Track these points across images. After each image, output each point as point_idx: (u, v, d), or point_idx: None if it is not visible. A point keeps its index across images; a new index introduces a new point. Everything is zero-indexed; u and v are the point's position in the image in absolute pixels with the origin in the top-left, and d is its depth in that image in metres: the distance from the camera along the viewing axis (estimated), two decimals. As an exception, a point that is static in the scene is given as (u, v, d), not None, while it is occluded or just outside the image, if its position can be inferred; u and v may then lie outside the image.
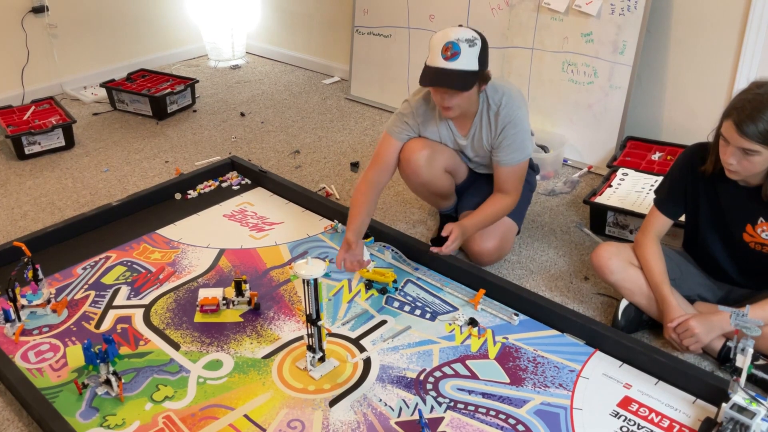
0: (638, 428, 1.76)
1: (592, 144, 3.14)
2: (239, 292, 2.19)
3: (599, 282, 2.36)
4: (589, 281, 2.39)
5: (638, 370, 1.94)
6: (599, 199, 2.63)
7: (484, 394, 1.87)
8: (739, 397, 1.65)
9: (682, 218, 2.12)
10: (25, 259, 2.15)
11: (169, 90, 3.77)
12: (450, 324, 2.14)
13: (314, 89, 4.17)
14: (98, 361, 1.86)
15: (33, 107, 3.56)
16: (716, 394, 1.78)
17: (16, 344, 2.06)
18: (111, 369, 1.86)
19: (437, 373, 1.94)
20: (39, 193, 3.02)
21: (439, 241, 2.27)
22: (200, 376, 1.94)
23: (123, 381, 1.88)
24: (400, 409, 1.82)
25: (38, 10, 3.83)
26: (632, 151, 2.98)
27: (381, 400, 1.85)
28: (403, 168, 2.40)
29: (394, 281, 2.30)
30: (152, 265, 2.43)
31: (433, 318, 2.17)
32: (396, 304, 2.23)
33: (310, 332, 1.88)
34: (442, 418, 1.79)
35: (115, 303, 2.24)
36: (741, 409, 1.63)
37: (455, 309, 2.20)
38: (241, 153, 3.34)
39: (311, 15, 4.32)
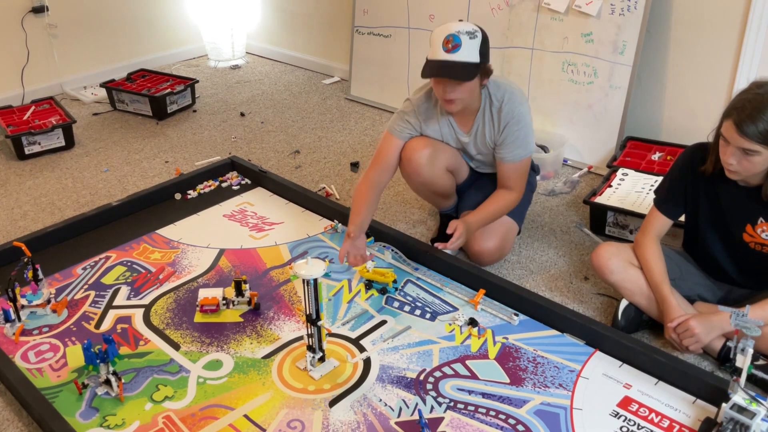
0: (638, 428, 1.76)
1: (592, 144, 3.14)
2: (239, 292, 2.19)
3: (599, 282, 2.36)
4: (589, 281, 2.39)
5: (638, 370, 1.94)
6: (599, 199, 2.63)
7: (484, 394, 1.87)
8: (739, 397, 1.65)
9: (682, 218, 2.12)
10: (25, 259, 2.15)
11: (169, 90, 3.77)
12: (450, 324, 2.14)
13: (314, 89, 4.17)
14: (98, 361, 1.86)
15: (33, 107, 3.56)
16: (716, 394, 1.78)
17: (16, 344, 2.06)
18: (111, 369, 1.86)
19: (437, 373, 1.94)
20: (39, 193, 3.02)
21: (443, 238, 2.27)
22: (200, 376, 1.94)
23: (123, 381, 1.88)
24: (400, 409, 1.82)
25: (38, 10, 3.83)
26: (632, 151, 2.98)
27: (381, 400, 1.85)
28: (405, 167, 2.40)
29: (394, 281, 2.30)
30: (152, 265, 2.43)
31: (433, 318, 2.17)
32: (396, 304, 2.23)
33: (310, 332, 1.88)
34: (442, 418, 1.79)
35: (115, 303, 2.24)
36: (741, 409, 1.62)
37: (455, 309, 2.20)
38: (241, 153, 3.34)
39: (311, 15, 4.32)
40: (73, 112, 3.72)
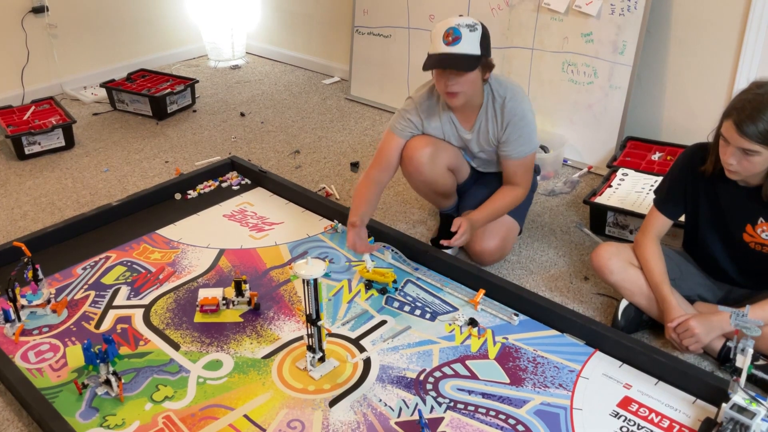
0: (638, 428, 1.76)
1: (592, 144, 3.14)
2: (239, 292, 2.19)
3: (599, 282, 2.36)
4: (589, 281, 2.39)
5: (638, 370, 1.94)
6: (599, 200, 2.63)
7: (484, 395, 1.87)
8: (739, 398, 1.64)
9: (682, 218, 2.12)
10: (25, 259, 2.15)
11: (169, 90, 3.77)
12: (450, 324, 2.13)
13: (314, 89, 4.17)
14: (98, 361, 1.86)
15: (33, 107, 3.56)
16: (716, 394, 1.78)
17: (16, 344, 2.06)
18: (111, 369, 1.86)
19: (437, 374, 1.94)
20: (39, 193, 3.02)
21: (447, 236, 2.27)
22: (200, 376, 1.94)
23: (123, 381, 1.88)
24: (400, 409, 1.82)
25: (38, 10, 3.83)
26: (632, 151, 2.98)
27: (381, 400, 1.85)
28: (406, 165, 2.40)
29: (394, 281, 2.30)
30: (152, 265, 2.43)
31: (433, 318, 2.17)
32: (396, 304, 2.23)
33: (310, 332, 1.88)
34: (442, 419, 1.79)
35: (115, 303, 2.24)
36: (741, 410, 1.62)
37: (455, 309, 2.20)
38: (241, 153, 3.34)
39: (311, 15, 4.32)
40: (73, 112, 3.72)
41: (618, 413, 1.80)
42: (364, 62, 3.90)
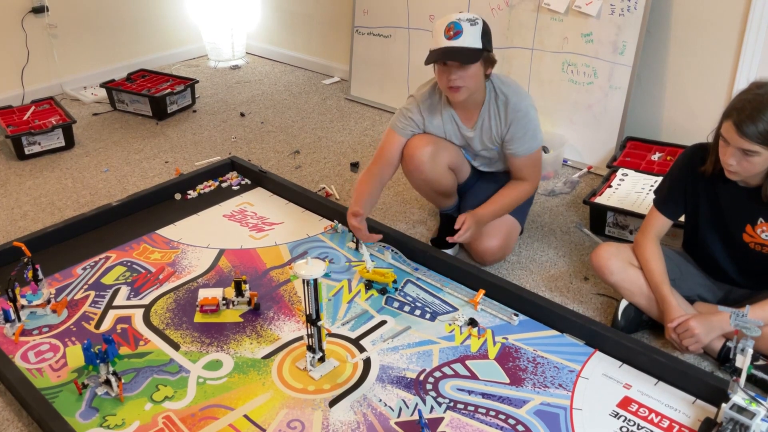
0: (638, 428, 1.76)
1: (591, 144, 3.14)
2: (239, 293, 2.19)
3: (599, 282, 2.36)
4: (589, 281, 2.39)
5: (638, 370, 1.94)
6: (599, 200, 2.63)
7: (484, 395, 1.87)
8: (738, 398, 1.65)
9: (682, 218, 2.12)
10: (25, 259, 2.15)
11: (169, 90, 3.77)
12: (450, 324, 2.14)
13: (314, 89, 4.17)
14: (98, 361, 1.86)
15: (33, 107, 3.56)
16: (716, 395, 1.78)
17: (16, 344, 2.06)
18: (111, 369, 1.86)
19: (437, 374, 1.94)
20: (39, 193, 3.02)
21: (449, 233, 2.27)
22: (200, 376, 1.94)
23: (123, 381, 1.88)
24: (400, 409, 1.82)
25: (38, 10, 3.83)
26: (632, 151, 2.98)
27: (381, 400, 1.85)
28: (407, 164, 2.40)
29: (394, 281, 2.30)
30: (152, 265, 2.43)
31: (432, 318, 2.17)
32: (396, 304, 2.23)
33: (309, 332, 1.88)
34: (442, 419, 1.79)
35: (114, 303, 2.24)
36: (741, 410, 1.63)
37: (455, 309, 2.20)
38: (241, 153, 3.34)
39: (311, 15, 4.32)
40: (73, 112, 3.72)
41: (618, 413, 1.80)
42: (364, 62, 3.90)
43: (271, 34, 4.63)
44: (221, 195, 2.91)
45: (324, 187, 3.00)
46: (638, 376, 1.92)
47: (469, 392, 1.87)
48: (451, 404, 1.83)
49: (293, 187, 2.85)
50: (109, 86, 3.84)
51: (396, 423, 1.78)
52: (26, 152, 3.29)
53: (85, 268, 2.41)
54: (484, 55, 2.17)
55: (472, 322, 2.12)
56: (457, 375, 1.94)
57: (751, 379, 1.82)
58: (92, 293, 2.28)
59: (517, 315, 2.15)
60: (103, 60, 4.22)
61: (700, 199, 2.01)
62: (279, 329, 2.12)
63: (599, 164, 3.11)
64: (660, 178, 2.46)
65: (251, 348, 2.04)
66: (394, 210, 2.86)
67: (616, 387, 1.89)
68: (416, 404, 1.83)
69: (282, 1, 4.46)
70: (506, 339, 2.07)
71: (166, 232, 2.64)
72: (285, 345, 2.05)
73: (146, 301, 2.24)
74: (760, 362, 1.90)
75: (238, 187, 2.97)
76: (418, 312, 2.19)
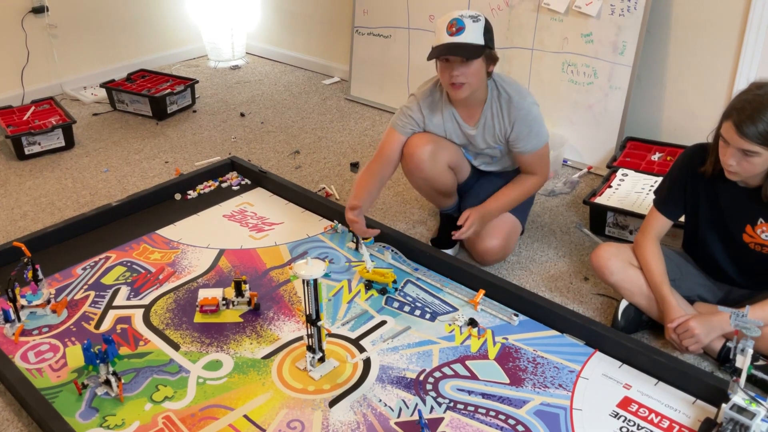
0: (638, 429, 1.76)
1: (591, 144, 3.14)
2: (239, 293, 2.19)
3: (599, 282, 2.36)
4: (589, 282, 2.39)
5: (638, 370, 1.94)
6: (599, 200, 2.63)
7: (484, 395, 1.87)
8: (738, 398, 1.65)
9: (682, 219, 2.12)
10: (25, 260, 2.15)
11: (169, 90, 3.77)
12: (450, 324, 2.14)
13: (314, 89, 4.17)
14: (98, 361, 1.86)
15: (33, 107, 3.56)
16: (716, 395, 1.78)
17: (16, 344, 2.06)
18: (111, 369, 1.86)
19: (437, 374, 1.94)
20: (39, 193, 3.02)
21: (446, 235, 2.27)
22: (200, 376, 1.94)
23: (123, 381, 1.88)
24: (400, 409, 1.82)
25: (38, 10, 3.83)
26: (632, 151, 2.98)
27: (381, 400, 1.85)
28: (407, 162, 2.40)
29: (394, 281, 2.29)
30: (152, 265, 2.43)
31: (432, 318, 2.17)
32: (396, 304, 2.23)
33: (309, 332, 1.88)
34: (442, 419, 1.79)
35: (114, 303, 2.23)
36: (741, 410, 1.63)
37: (455, 309, 2.20)
38: (241, 153, 3.34)
39: (311, 15, 4.32)
40: (73, 112, 3.72)
41: (618, 413, 1.80)
42: (364, 62, 3.90)
43: (271, 34, 4.63)
44: (221, 195, 2.91)
45: (324, 188, 3.00)
46: (638, 377, 1.92)
47: (469, 392, 1.87)
48: (451, 404, 1.83)
49: (293, 187, 2.85)
50: (109, 86, 3.84)
51: (396, 423, 1.78)
52: (26, 152, 3.29)
53: (85, 268, 2.41)
54: (486, 52, 2.17)
55: (472, 323, 2.12)
56: (457, 375, 1.94)
57: (751, 380, 1.82)
58: (92, 293, 2.28)
59: (517, 315, 2.15)
60: (103, 60, 4.22)
61: (700, 200, 2.01)
62: (279, 329, 2.12)
63: (599, 164, 3.11)
64: (660, 179, 2.46)
65: (251, 348, 2.04)
66: (394, 210, 2.86)
67: (616, 387, 1.89)
68: (416, 404, 1.83)
69: (282, 1, 4.46)
70: (506, 339, 2.07)
71: (166, 232, 2.64)
72: (285, 345, 2.05)
73: (146, 301, 2.24)
74: (760, 362, 1.90)
75: (238, 187, 2.97)
76: (418, 312, 2.19)
